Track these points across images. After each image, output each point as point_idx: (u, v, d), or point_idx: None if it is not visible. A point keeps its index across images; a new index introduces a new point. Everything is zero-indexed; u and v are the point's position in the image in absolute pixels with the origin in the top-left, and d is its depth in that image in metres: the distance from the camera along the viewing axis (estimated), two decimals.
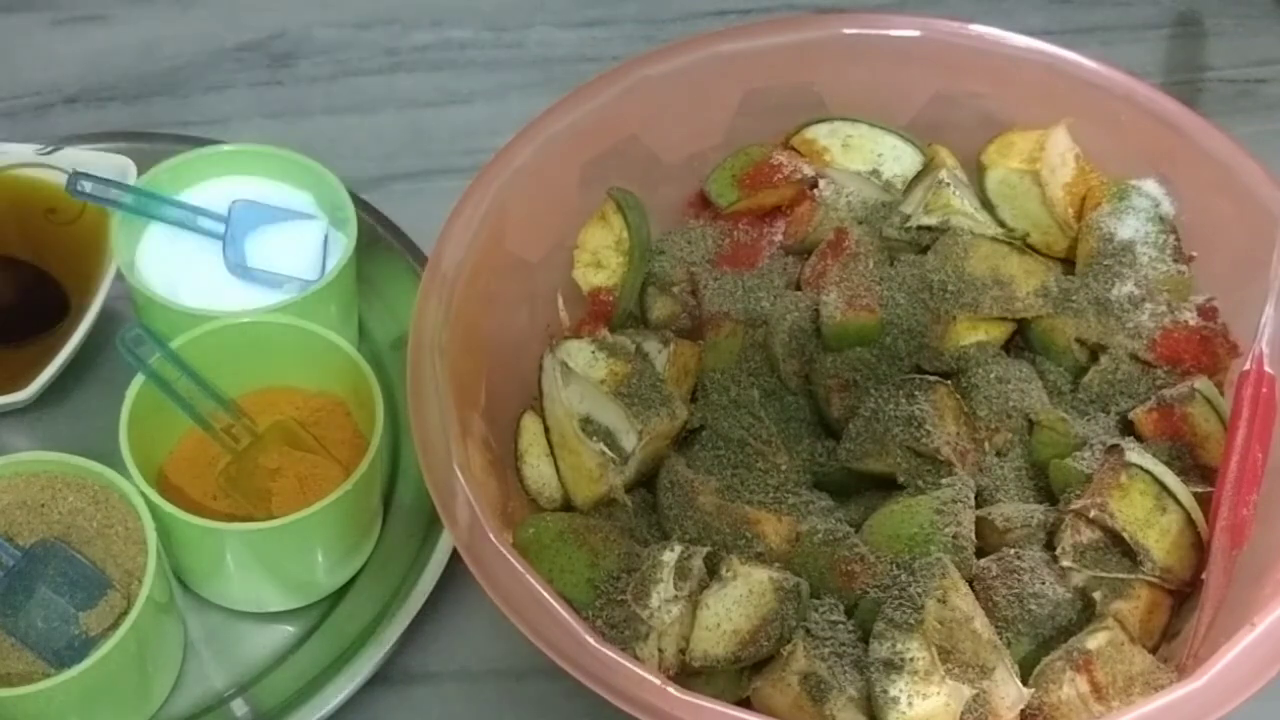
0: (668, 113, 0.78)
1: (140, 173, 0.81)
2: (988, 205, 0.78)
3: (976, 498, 0.68)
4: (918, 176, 0.79)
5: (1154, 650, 0.66)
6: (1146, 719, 0.57)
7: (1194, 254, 0.77)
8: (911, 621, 0.61)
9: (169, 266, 0.78)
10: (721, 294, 0.76)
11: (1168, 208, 0.77)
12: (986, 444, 0.71)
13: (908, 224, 0.76)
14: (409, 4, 1.04)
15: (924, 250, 0.76)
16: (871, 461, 0.69)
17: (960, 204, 0.76)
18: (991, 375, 0.72)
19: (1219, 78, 1.01)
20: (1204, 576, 0.65)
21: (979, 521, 0.67)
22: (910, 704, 0.59)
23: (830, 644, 0.62)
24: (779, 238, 0.78)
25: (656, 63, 0.77)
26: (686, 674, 0.63)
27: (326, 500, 0.68)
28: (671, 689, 0.57)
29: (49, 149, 0.83)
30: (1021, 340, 0.76)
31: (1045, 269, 0.76)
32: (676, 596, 0.63)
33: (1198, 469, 0.70)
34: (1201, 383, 0.72)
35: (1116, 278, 0.74)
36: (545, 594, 0.60)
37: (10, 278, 0.83)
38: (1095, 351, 0.75)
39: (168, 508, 0.67)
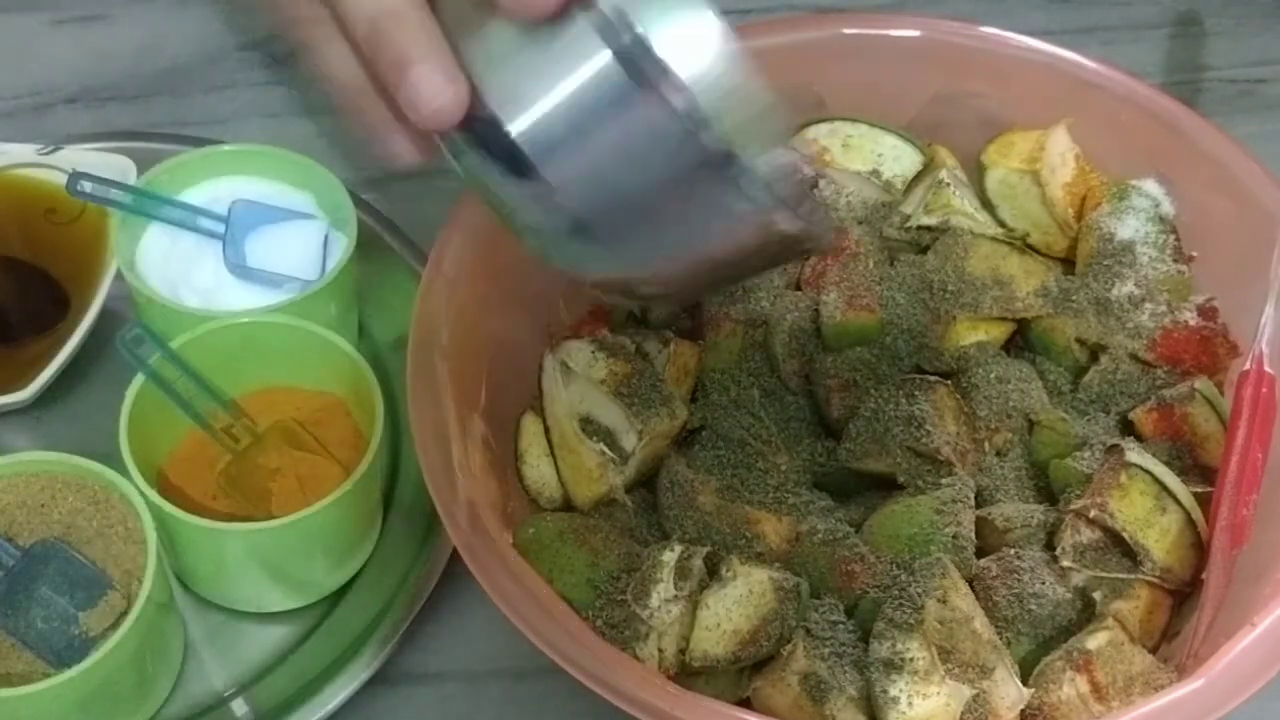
0: None
1: (140, 173, 0.81)
2: (988, 205, 0.78)
3: (976, 498, 0.68)
4: (918, 176, 0.79)
5: (1154, 650, 0.66)
6: (1146, 719, 0.57)
7: (1194, 254, 0.77)
8: (911, 621, 0.61)
9: (169, 266, 0.78)
10: (721, 294, 0.76)
11: (1168, 208, 0.77)
12: (986, 444, 0.71)
13: (908, 224, 0.77)
14: None
15: (924, 250, 0.76)
16: (871, 461, 0.69)
17: (960, 204, 0.76)
18: (991, 375, 0.72)
19: (1219, 78, 1.01)
20: (1204, 576, 0.65)
21: (979, 521, 0.67)
22: (910, 704, 0.59)
23: (830, 644, 0.62)
24: None
25: None
26: (686, 674, 0.63)
27: (326, 500, 0.68)
28: (671, 689, 0.57)
29: (49, 149, 0.83)
30: (1021, 340, 0.76)
31: (1045, 269, 0.76)
32: (676, 596, 0.63)
33: (1198, 469, 0.70)
34: (1201, 383, 0.72)
35: (1116, 278, 0.75)
36: (545, 594, 0.60)
37: (10, 278, 0.83)
38: (1095, 351, 0.75)
39: (168, 508, 0.67)
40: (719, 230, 0.57)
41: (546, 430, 0.71)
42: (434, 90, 0.54)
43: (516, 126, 0.54)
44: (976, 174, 0.79)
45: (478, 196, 0.60)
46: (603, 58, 0.52)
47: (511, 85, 0.54)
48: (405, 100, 0.55)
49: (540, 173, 0.54)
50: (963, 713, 0.60)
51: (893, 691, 0.60)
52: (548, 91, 0.53)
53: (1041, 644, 0.65)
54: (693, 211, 0.55)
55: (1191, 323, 0.74)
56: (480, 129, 0.55)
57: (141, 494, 0.67)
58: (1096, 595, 0.66)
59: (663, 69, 0.51)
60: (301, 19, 0.60)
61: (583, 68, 0.53)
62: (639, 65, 0.52)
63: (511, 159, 0.54)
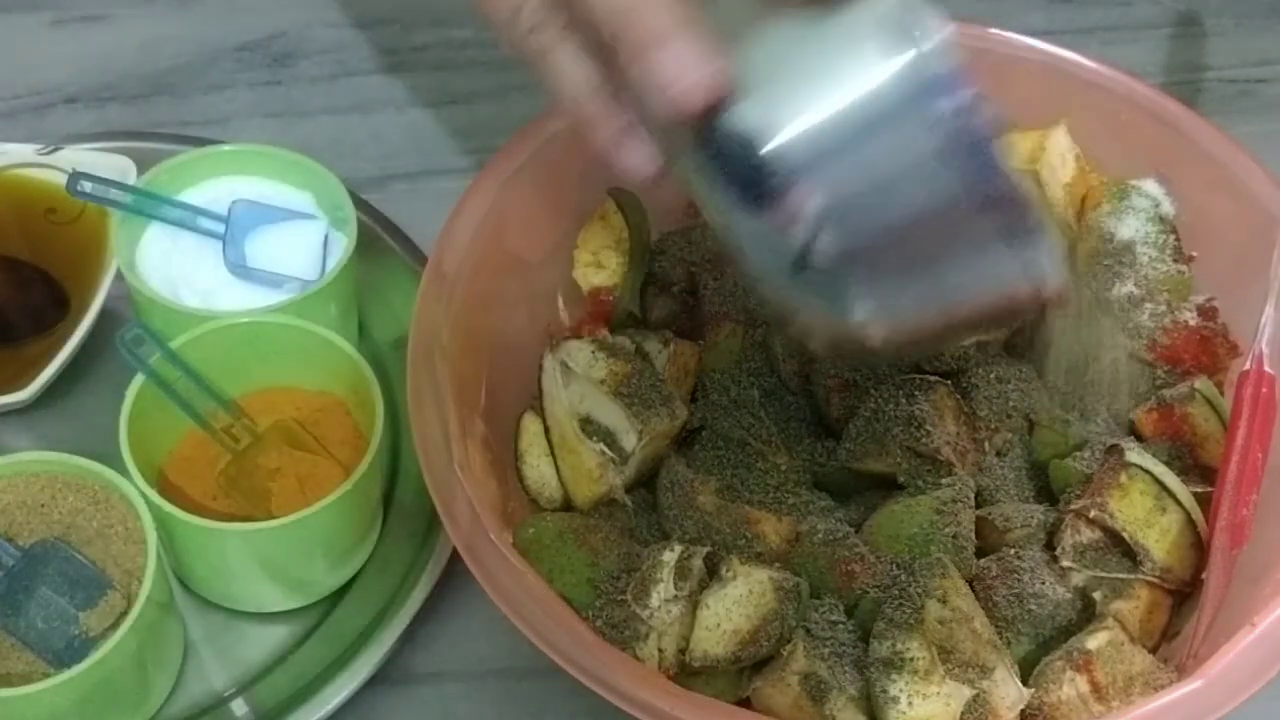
0: None
1: (140, 173, 0.81)
2: None
3: (976, 498, 0.68)
4: None
5: (1154, 650, 0.66)
6: (1146, 719, 0.57)
7: (1194, 254, 0.77)
8: (911, 621, 0.61)
9: (169, 266, 0.78)
10: (721, 294, 0.76)
11: (1168, 208, 0.77)
12: (986, 444, 0.71)
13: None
14: (409, 4, 1.04)
15: None
16: (871, 461, 0.69)
17: None
18: (991, 375, 0.72)
19: (1219, 78, 1.01)
20: (1204, 576, 0.65)
21: (979, 521, 0.67)
22: (910, 704, 0.59)
23: (830, 644, 0.62)
24: None
25: None
26: (686, 674, 0.63)
27: (326, 500, 0.68)
28: (671, 689, 0.57)
29: (49, 149, 0.83)
30: (1022, 340, 0.76)
31: None
32: (676, 596, 0.63)
33: (1198, 469, 0.70)
34: (1201, 383, 0.72)
35: (1116, 278, 0.75)
36: (545, 594, 0.60)
37: (10, 278, 0.83)
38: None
39: (168, 508, 0.67)
40: (979, 284, 0.50)
41: (546, 430, 0.71)
42: (684, 66, 0.50)
43: (782, 135, 0.47)
44: None
45: (712, 223, 0.54)
46: (901, 60, 0.45)
47: (777, 88, 0.47)
48: (653, 80, 0.51)
49: (797, 196, 0.47)
50: (963, 713, 0.60)
51: (893, 691, 0.60)
52: (819, 96, 0.46)
53: (1041, 644, 0.65)
54: (963, 258, 0.49)
55: (1191, 323, 0.74)
56: (731, 134, 0.48)
57: (141, 494, 0.67)
58: (1096, 595, 0.66)
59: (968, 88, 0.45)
60: (529, 30, 0.58)
61: (876, 69, 0.46)
62: (953, 79, 0.45)
63: (760, 179, 0.47)
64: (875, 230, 0.48)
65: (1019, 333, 0.75)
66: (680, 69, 0.51)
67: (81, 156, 0.82)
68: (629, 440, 0.69)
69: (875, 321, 0.51)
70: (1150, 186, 0.77)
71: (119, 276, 0.78)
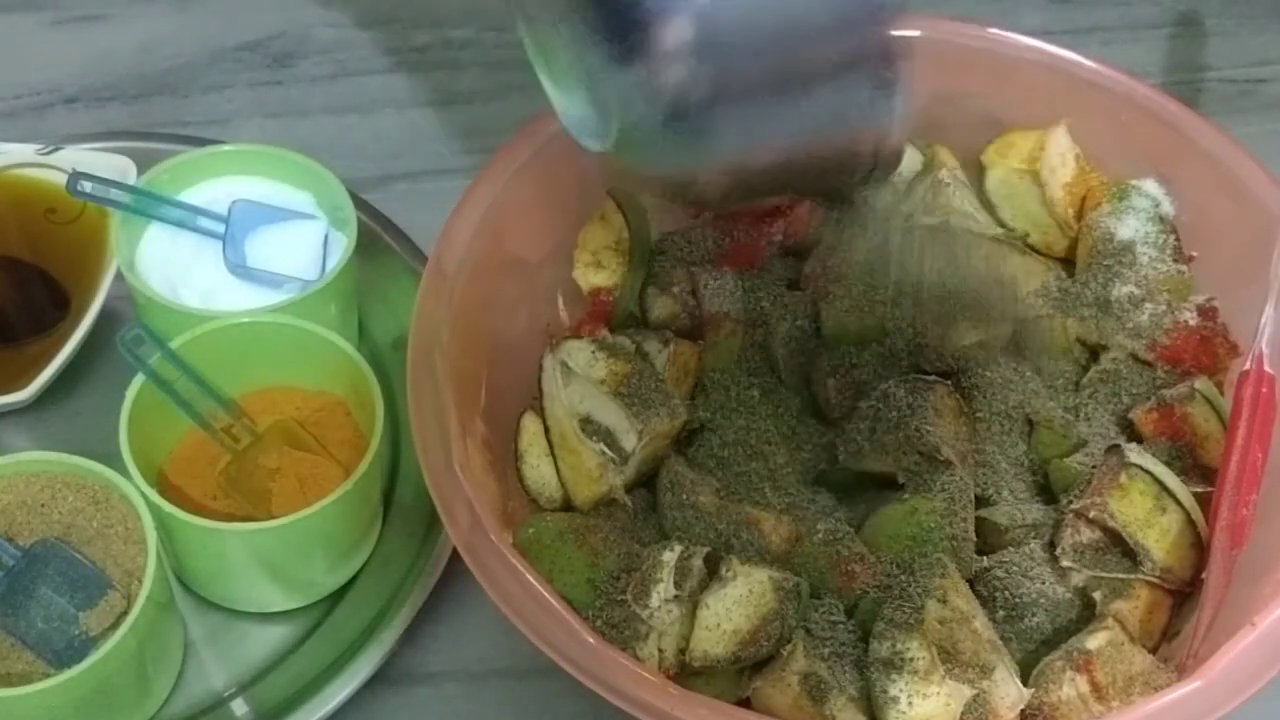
0: None
1: (140, 173, 0.81)
2: (988, 205, 0.78)
3: (976, 498, 0.68)
4: (918, 176, 0.79)
5: (1154, 650, 0.66)
6: (1146, 719, 0.57)
7: (1194, 254, 0.77)
8: (911, 621, 0.61)
9: (169, 266, 0.78)
10: (721, 294, 0.76)
11: (1168, 208, 0.77)
12: (987, 444, 0.71)
13: (908, 224, 0.76)
14: (409, 4, 1.04)
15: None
16: (871, 461, 0.69)
17: (960, 204, 0.76)
18: (991, 375, 0.72)
19: (1219, 78, 1.01)
20: (1204, 576, 0.65)
21: (979, 521, 0.67)
22: (910, 704, 0.59)
23: (830, 644, 0.62)
24: (779, 238, 0.79)
25: None
26: (686, 674, 0.63)
27: (326, 500, 0.68)
28: (671, 689, 0.57)
29: (49, 149, 0.83)
30: (1021, 340, 0.76)
31: (1045, 269, 0.76)
32: (677, 596, 0.63)
33: (1198, 469, 0.70)
34: (1201, 383, 0.72)
35: (1116, 278, 0.75)
36: (545, 594, 0.60)
37: (10, 278, 0.83)
38: (1095, 351, 0.75)
39: (168, 508, 0.67)
40: (831, 123, 0.52)
41: (546, 430, 0.71)
42: None
43: None
44: (976, 174, 0.79)
45: (542, 70, 0.55)
46: None
47: None
48: None
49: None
50: (963, 713, 0.60)
51: (893, 691, 0.60)
52: None
53: (1041, 644, 0.65)
54: (822, 95, 0.50)
55: (1191, 323, 0.74)
56: None
57: (141, 494, 0.67)
58: (1096, 595, 0.66)
59: None
60: None
61: None
62: None
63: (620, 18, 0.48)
64: (742, 65, 0.49)
65: (1019, 332, 0.76)
66: None
67: (81, 156, 0.82)
68: (629, 440, 0.69)
69: (729, 161, 0.53)
70: (1150, 186, 0.77)
71: (119, 276, 0.78)
